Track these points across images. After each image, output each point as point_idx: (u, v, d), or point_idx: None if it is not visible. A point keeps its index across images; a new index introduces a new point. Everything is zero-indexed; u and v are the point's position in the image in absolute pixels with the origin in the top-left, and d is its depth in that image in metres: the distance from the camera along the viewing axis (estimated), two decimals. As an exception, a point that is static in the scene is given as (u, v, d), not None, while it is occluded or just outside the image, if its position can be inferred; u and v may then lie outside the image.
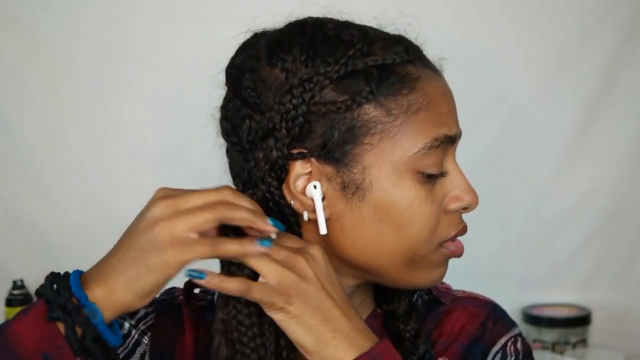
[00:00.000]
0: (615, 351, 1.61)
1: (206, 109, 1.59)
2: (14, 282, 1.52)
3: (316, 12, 0.85)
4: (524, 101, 1.60)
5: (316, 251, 0.78)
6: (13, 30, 1.51)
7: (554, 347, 1.62)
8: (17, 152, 1.54)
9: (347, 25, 0.82)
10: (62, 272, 0.76)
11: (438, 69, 0.83)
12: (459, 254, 0.83)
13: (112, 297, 0.73)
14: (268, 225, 0.74)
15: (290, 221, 0.81)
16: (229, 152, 0.86)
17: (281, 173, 0.79)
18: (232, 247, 0.73)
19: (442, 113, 0.80)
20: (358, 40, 0.80)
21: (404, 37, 0.82)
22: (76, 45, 1.52)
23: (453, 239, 0.82)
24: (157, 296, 0.91)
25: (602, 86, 1.62)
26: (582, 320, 1.64)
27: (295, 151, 0.79)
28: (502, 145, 1.57)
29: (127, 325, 0.89)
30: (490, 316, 0.91)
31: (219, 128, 0.86)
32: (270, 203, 0.79)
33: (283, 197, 0.79)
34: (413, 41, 0.83)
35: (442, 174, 0.80)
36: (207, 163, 1.53)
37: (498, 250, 1.59)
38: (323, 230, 0.79)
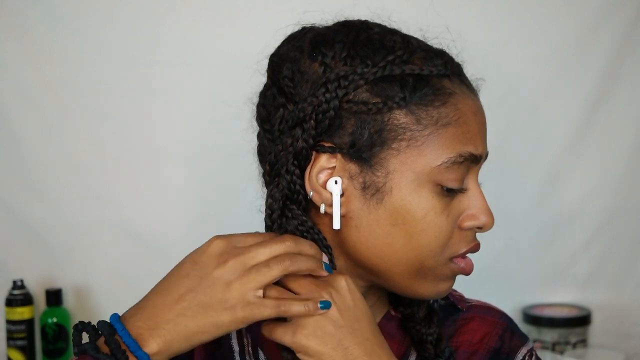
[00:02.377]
0: (615, 351, 1.61)
1: (206, 109, 1.60)
2: (14, 282, 1.52)
3: (366, 15, 0.87)
4: (525, 101, 1.60)
5: (342, 283, 0.78)
6: (14, 31, 1.51)
7: (554, 347, 1.62)
8: (17, 152, 1.54)
9: (393, 32, 0.84)
10: (95, 323, 0.78)
11: (475, 88, 0.85)
12: (468, 271, 0.84)
13: (169, 350, 0.75)
14: (325, 272, 0.78)
15: (307, 211, 0.83)
16: (259, 137, 0.87)
17: (304, 162, 0.81)
18: (297, 309, 0.75)
19: (470, 131, 0.81)
20: (400, 47, 0.81)
21: (445, 52, 0.84)
22: (76, 46, 1.52)
23: (463, 255, 0.83)
24: None
25: (602, 87, 1.62)
26: (582, 320, 1.64)
27: (326, 144, 0.80)
28: (503, 145, 1.56)
29: None
30: (507, 329, 0.93)
31: (255, 113, 0.88)
32: (295, 194, 0.81)
33: (304, 187, 0.81)
34: (454, 57, 0.85)
35: (462, 190, 0.82)
36: (206, 162, 1.54)
37: (498, 250, 1.59)
38: (336, 225, 0.81)
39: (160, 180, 1.56)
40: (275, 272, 0.74)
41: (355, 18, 0.86)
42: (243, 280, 0.74)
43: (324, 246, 0.81)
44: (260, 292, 0.74)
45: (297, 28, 0.87)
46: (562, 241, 1.67)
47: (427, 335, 0.88)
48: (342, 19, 0.86)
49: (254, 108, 0.88)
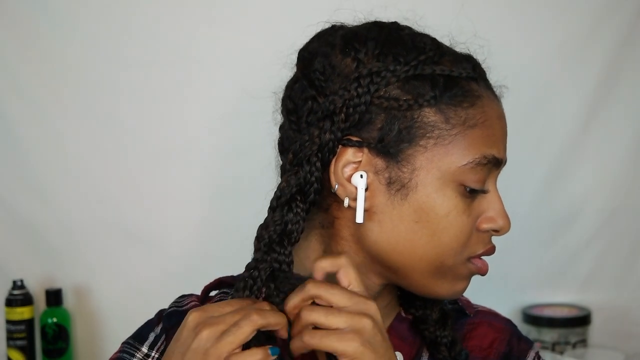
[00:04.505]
0: (615, 351, 1.61)
1: (204, 109, 1.60)
2: (14, 282, 1.52)
3: (395, 17, 0.88)
4: (525, 101, 1.60)
5: (374, 309, 0.76)
6: (13, 30, 1.51)
7: (554, 347, 1.62)
8: (17, 152, 1.54)
9: (422, 34, 0.86)
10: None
11: (498, 94, 0.87)
12: (484, 271, 0.86)
13: None
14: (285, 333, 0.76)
15: (327, 205, 0.84)
16: (282, 129, 0.88)
17: (328, 156, 0.81)
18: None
19: (495, 135, 0.83)
20: (430, 48, 0.83)
21: (472, 57, 0.86)
22: (76, 46, 1.52)
23: (480, 256, 0.85)
24: (167, 308, 0.92)
25: (602, 87, 1.61)
26: (582, 320, 1.64)
27: (354, 138, 0.81)
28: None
29: (139, 356, 0.89)
30: (514, 334, 0.96)
31: (279, 105, 0.89)
32: (308, 185, 0.81)
33: (320, 181, 0.81)
34: (480, 63, 0.87)
35: (483, 192, 0.83)
36: (207, 163, 1.54)
37: (498, 250, 1.58)
38: (360, 219, 0.81)
39: (161, 180, 1.56)
40: (246, 328, 0.73)
41: (385, 20, 0.88)
42: (217, 345, 0.73)
43: (286, 263, 0.80)
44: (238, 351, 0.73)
45: (326, 26, 0.88)
46: (562, 241, 1.67)
47: (441, 337, 0.89)
48: (372, 19, 0.88)
49: (278, 100, 0.89)
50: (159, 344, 0.89)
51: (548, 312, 1.64)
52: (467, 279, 0.86)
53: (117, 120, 1.54)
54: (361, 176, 0.81)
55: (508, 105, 1.66)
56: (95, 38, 1.52)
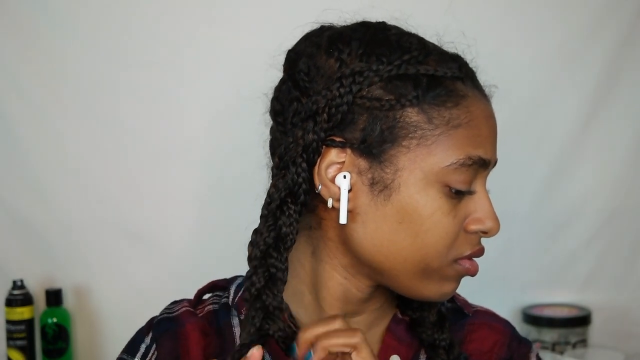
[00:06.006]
0: (615, 351, 1.61)
1: (204, 109, 1.60)
2: (14, 282, 1.52)
3: (383, 17, 0.88)
4: (525, 101, 1.60)
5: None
6: (14, 31, 1.51)
7: (554, 347, 1.62)
8: (17, 152, 1.54)
9: (409, 34, 0.85)
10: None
11: (487, 94, 0.86)
12: (473, 272, 0.85)
13: None
14: None
15: (313, 206, 0.83)
16: (272, 130, 0.88)
17: (313, 156, 0.81)
18: None
19: (481, 135, 0.82)
20: (416, 48, 0.82)
21: (459, 56, 0.85)
22: (76, 46, 1.52)
23: (469, 257, 0.84)
24: (158, 315, 0.92)
25: (602, 87, 1.61)
26: (582, 320, 1.64)
27: (337, 139, 0.81)
28: (503, 145, 1.56)
29: None
30: (514, 337, 0.95)
31: (269, 106, 0.89)
32: (296, 186, 0.81)
33: (308, 181, 0.81)
34: (469, 62, 0.86)
35: (469, 193, 0.82)
36: (207, 163, 1.54)
37: (498, 250, 1.59)
38: (343, 219, 0.81)
39: (161, 180, 1.56)
40: None
41: (374, 20, 0.87)
42: None
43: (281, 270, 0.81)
44: None
45: (315, 27, 0.88)
46: (562, 241, 1.67)
47: (439, 340, 0.88)
48: (360, 19, 0.87)
49: (268, 102, 0.89)
50: (149, 355, 0.89)
51: (548, 312, 1.64)
52: (456, 280, 0.85)
53: (117, 120, 1.54)
54: (344, 177, 0.81)
55: (508, 105, 1.67)
56: (95, 38, 1.52)
